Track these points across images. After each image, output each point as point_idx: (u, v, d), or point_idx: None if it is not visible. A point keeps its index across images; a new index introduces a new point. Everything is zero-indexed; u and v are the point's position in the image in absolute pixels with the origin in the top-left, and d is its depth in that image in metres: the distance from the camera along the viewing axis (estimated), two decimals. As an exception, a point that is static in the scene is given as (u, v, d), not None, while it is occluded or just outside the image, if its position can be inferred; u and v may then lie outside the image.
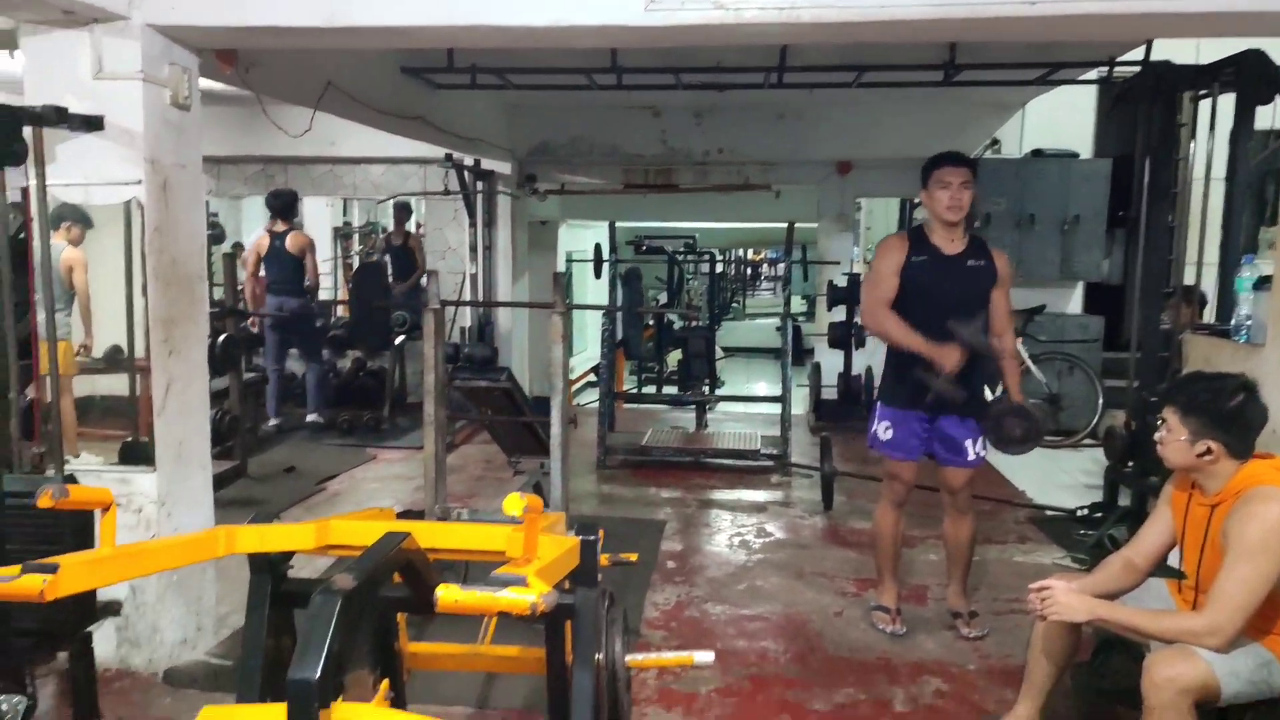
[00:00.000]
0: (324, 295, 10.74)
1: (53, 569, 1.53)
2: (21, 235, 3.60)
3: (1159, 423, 2.58)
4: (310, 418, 7.55)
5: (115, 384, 3.62)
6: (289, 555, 2.29)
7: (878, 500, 4.01)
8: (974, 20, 3.04)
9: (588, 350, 12.58)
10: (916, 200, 10.06)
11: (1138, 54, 5.32)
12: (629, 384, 11.09)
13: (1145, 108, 4.90)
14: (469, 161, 7.81)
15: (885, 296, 3.60)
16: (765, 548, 5.00)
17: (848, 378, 8.00)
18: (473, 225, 8.27)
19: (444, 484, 4.43)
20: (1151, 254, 4.90)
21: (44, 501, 1.65)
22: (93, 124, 3.26)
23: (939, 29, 3.30)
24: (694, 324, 8.60)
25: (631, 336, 8.91)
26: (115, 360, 3.60)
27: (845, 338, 7.88)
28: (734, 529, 5.32)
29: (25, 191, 3.40)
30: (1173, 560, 2.72)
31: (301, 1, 3.24)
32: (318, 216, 11.60)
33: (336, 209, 11.68)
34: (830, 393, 8.20)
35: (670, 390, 10.35)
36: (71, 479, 3.08)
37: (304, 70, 4.70)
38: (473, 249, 8.34)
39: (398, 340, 7.96)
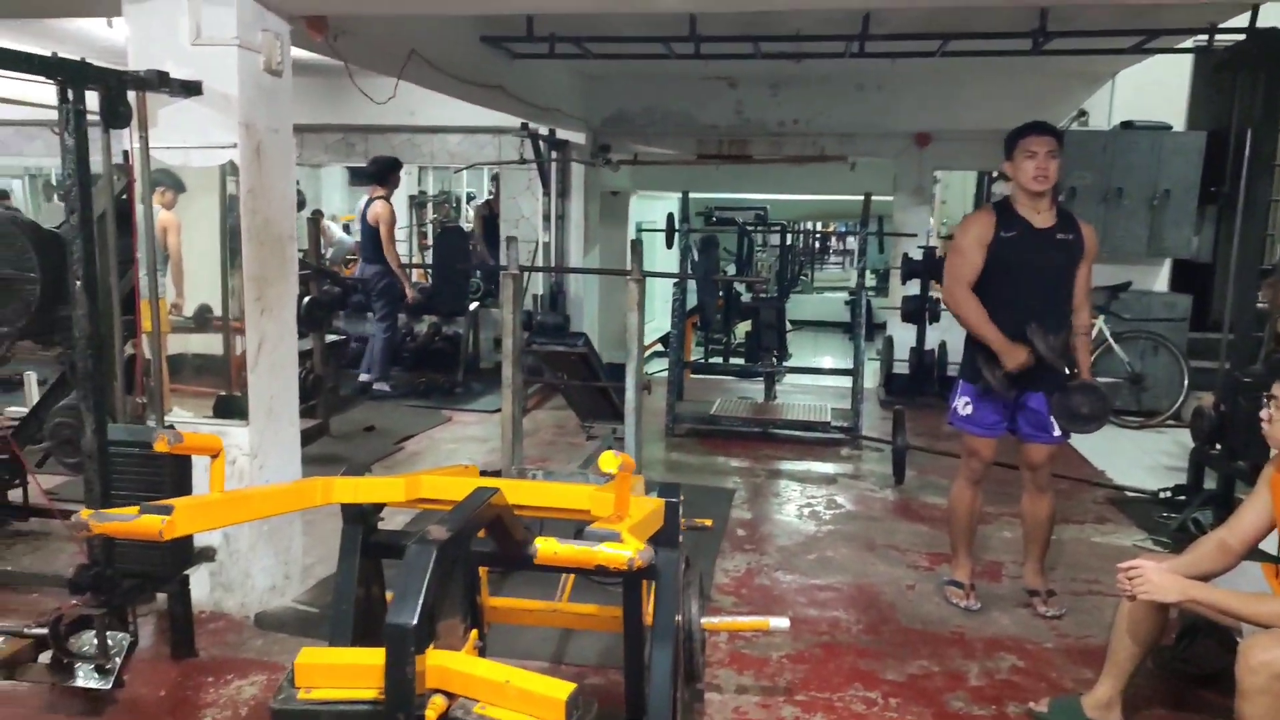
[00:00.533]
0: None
1: (168, 510, 1.62)
2: (123, 196, 3.75)
3: (1265, 401, 2.50)
4: (363, 378, 7.53)
5: (204, 342, 3.76)
6: (379, 507, 2.38)
7: (951, 476, 3.95)
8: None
9: (655, 320, 12.62)
10: (995, 174, 9.87)
11: (1241, 21, 5.07)
12: (696, 354, 11.10)
13: (1248, 77, 4.69)
14: (544, 131, 7.85)
15: (968, 276, 3.54)
16: (835, 519, 4.98)
17: (920, 352, 7.87)
18: (546, 195, 8.33)
19: (520, 446, 4.52)
20: (1249, 230, 4.71)
21: (160, 446, 1.74)
22: (191, 89, 3.38)
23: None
24: (764, 295, 8.54)
25: (706, 304, 8.90)
26: (204, 319, 3.74)
27: (919, 312, 7.75)
28: (804, 500, 5.31)
29: (127, 154, 3.56)
30: (1269, 545, 2.65)
31: (391, -33, 3.29)
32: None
33: (413, 177, 11.87)
34: (902, 367, 8.09)
35: (738, 361, 10.33)
36: (172, 430, 3.23)
37: (389, 39, 4.77)
38: (546, 218, 8.41)
39: (472, 306, 8.09)
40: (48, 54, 2.95)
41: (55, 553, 4.12)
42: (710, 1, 3.47)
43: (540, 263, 8.32)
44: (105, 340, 3.27)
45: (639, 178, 9.99)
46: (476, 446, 6.29)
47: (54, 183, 11.46)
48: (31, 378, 5.84)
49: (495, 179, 8.78)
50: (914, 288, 7.87)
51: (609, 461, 1.74)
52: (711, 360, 10.66)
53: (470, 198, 13.00)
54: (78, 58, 3.10)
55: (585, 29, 5.87)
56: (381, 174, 7.49)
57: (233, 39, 3.37)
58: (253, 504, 1.91)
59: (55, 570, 3.74)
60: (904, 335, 8.08)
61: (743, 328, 10.53)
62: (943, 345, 7.76)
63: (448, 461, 5.84)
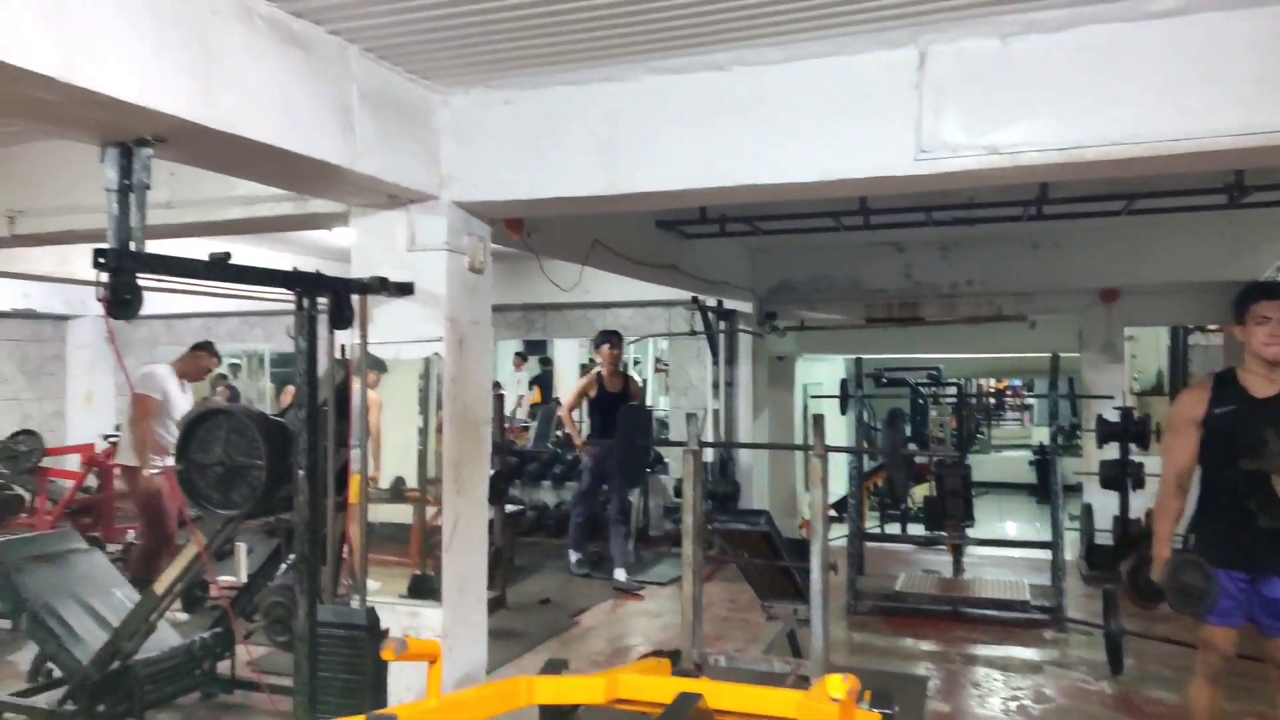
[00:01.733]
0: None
1: (392, 720, 1.65)
2: (339, 386, 4.08)
3: None
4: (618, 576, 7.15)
5: (398, 513, 3.94)
6: (576, 706, 2.34)
7: (1175, 664, 3.52)
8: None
9: (825, 485, 12.26)
10: (1191, 327, 9.27)
11: None
12: (870, 520, 10.65)
13: None
14: (712, 302, 8.07)
15: (1177, 461, 3.38)
16: (1047, 715, 4.50)
17: (1125, 522, 7.23)
18: (715, 363, 8.46)
19: (700, 627, 4.40)
20: None
21: (387, 655, 1.80)
22: (405, 289, 3.70)
23: (1238, 158, 3.08)
24: (944, 459, 8.18)
25: (895, 481, 8.59)
26: (398, 492, 3.94)
27: (1120, 477, 7.18)
28: (1008, 691, 4.84)
29: (343, 348, 3.89)
30: None
31: (584, 175, 3.55)
32: (568, 355, 12.37)
33: (586, 348, 12.41)
34: (1104, 537, 7.44)
35: (916, 529, 9.82)
36: (373, 612, 3.35)
37: (575, 231, 5.12)
38: (715, 385, 8.51)
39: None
40: (288, 268, 3.32)
41: (257, 727, 4.26)
42: (893, 187, 3.51)
43: (710, 429, 8.36)
44: (319, 523, 3.49)
45: (805, 342, 10.02)
46: (648, 622, 6.17)
47: (264, 364, 12.70)
48: (242, 549, 6.28)
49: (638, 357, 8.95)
50: (1112, 450, 7.34)
51: (836, 686, 1.65)
52: (888, 528, 10.19)
53: (636, 362, 13.41)
54: (301, 264, 3.49)
55: (756, 209, 6.10)
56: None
57: (443, 244, 3.70)
58: (467, 709, 1.92)
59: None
60: (1104, 502, 7.48)
61: (919, 490, 10.07)
62: (1149, 514, 7.11)
63: (621, 639, 5.75)
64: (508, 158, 3.65)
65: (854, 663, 5.25)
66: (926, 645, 5.63)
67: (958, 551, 6.94)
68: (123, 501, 9.02)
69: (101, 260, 2.53)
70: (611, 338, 7.43)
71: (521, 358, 12.16)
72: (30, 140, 4.47)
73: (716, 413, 8.48)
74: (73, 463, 9.39)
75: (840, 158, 3.20)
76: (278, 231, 4.73)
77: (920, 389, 10.85)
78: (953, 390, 12.27)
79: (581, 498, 7.50)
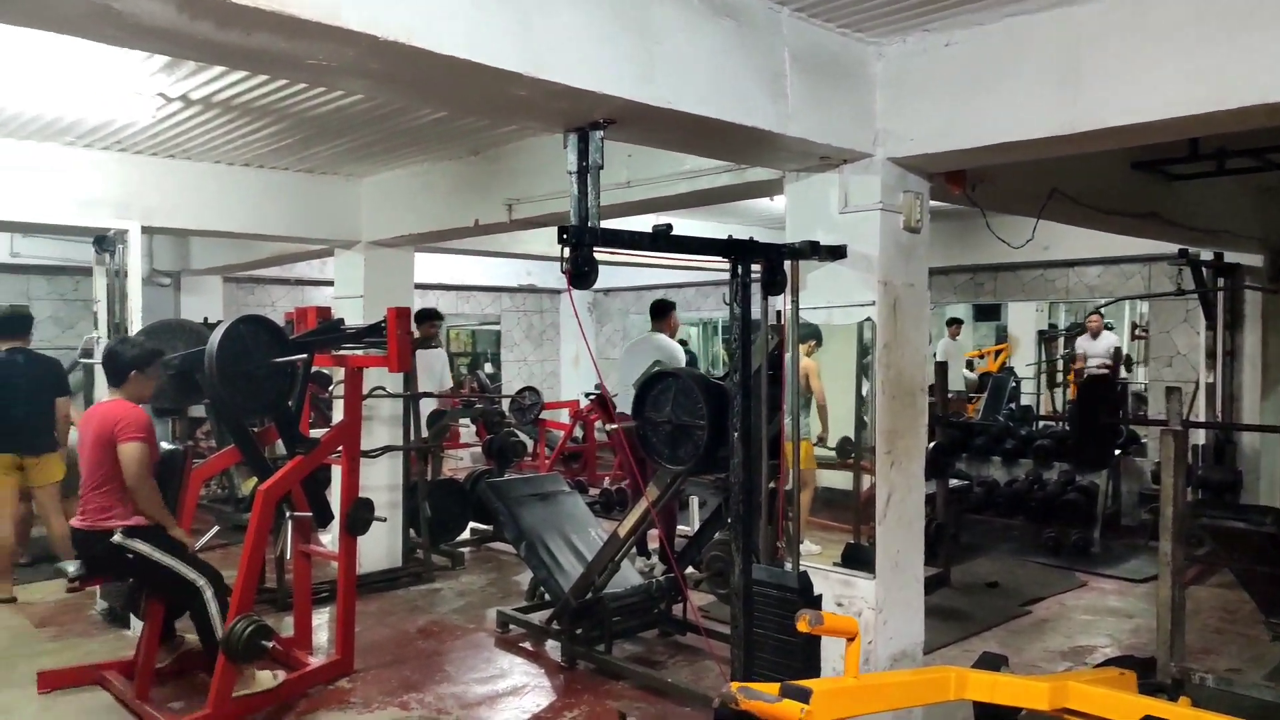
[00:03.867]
0: (1026, 401, 10.41)
1: (806, 695, 1.61)
2: (774, 352, 4.16)
3: None
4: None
5: (840, 479, 3.90)
6: (1016, 710, 2.10)
7: None
8: None
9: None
10: None
11: None
12: None
13: None
14: (1207, 255, 6.80)
15: None
16: None
17: None
18: (1210, 328, 7.14)
19: (1180, 638, 3.74)
20: None
21: (801, 626, 1.77)
22: (836, 253, 3.62)
23: None
24: None
25: None
26: (845, 451, 3.89)
27: None
28: None
29: (779, 314, 3.93)
30: None
31: (1039, 114, 3.15)
32: (1023, 320, 11.36)
33: (1043, 312, 11.31)
34: None
35: None
36: (805, 577, 3.37)
37: (1027, 180, 4.61)
38: (1209, 355, 7.19)
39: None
40: (723, 237, 3.43)
41: (706, 670, 4.55)
42: None
43: (1202, 406, 7.09)
44: (754, 484, 3.59)
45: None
46: (1116, 622, 5.44)
47: (716, 330, 13.55)
48: (694, 502, 6.77)
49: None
50: None
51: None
52: None
53: (1109, 327, 11.88)
54: (744, 234, 3.57)
55: (1264, 138, 4.97)
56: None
57: (876, 204, 3.55)
58: (886, 693, 1.83)
59: (703, 689, 4.13)
60: None
61: None
62: None
63: (1081, 636, 5.15)
64: (947, 105, 3.38)
65: None
66: None
67: None
68: (603, 451, 10.31)
69: (564, 236, 2.82)
70: None
71: (958, 323, 11.41)
72: (523, 138, 5.19)
73: (1210, 387, 7.16)
74: (563, 416, 10.94)
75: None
76: (721, 202, 4.93)
77: None
78: None
79: None
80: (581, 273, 2.85)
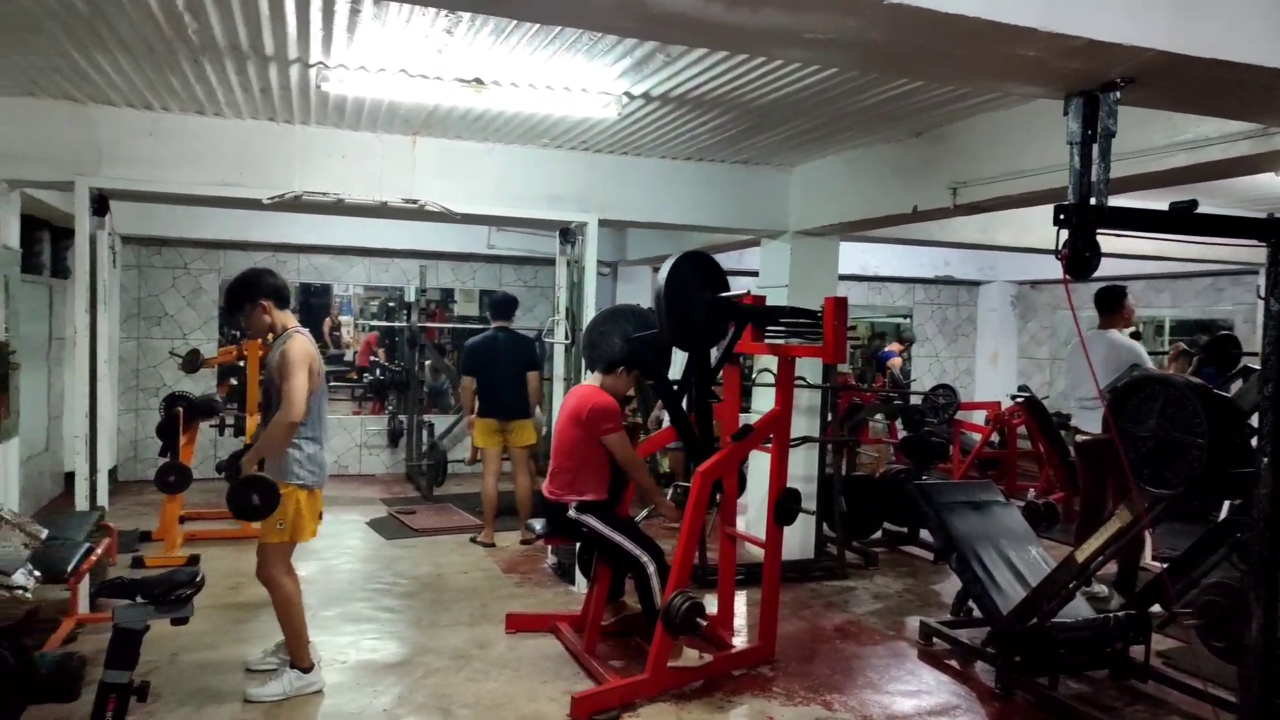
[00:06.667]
0: None
1: None
2: None
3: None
4: None
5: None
6: None
7: None
8: None
9: None
10: None
11: None
12: None
13: None
14: None
15: None
16: None
17: None
18: None
19: None
20: None
21: None
22: None
23: None
24: None
25: None
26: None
27: None
28: None
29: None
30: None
31: None
32: None
33: None
34: None
35: None
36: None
37: None
38: None
39: None
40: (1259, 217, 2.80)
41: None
42: None
43: None
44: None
45: None
46: None
47: (1162, 330, 11.68)
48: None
49: None
50: None
51: None
52: None
53: None
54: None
55: None
56: None
57: None
58: None
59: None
60: None
61: None
62: None
63: None
64: None
65: None
66: None
67: None
68: (1024, 460, 9.42)
69: (1062, 216, 2.46)
70: None
71: None
72: (972, 115, 4.78)
73: None
74: (978, 417, 10.17)
75: None
76: (1224, 177, 4.10)
77: None
78: None
79: None
80: (1081, 259, 2.47)
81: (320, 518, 4.14)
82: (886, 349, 11.08)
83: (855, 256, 10.31)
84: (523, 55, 3.93)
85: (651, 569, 4.25)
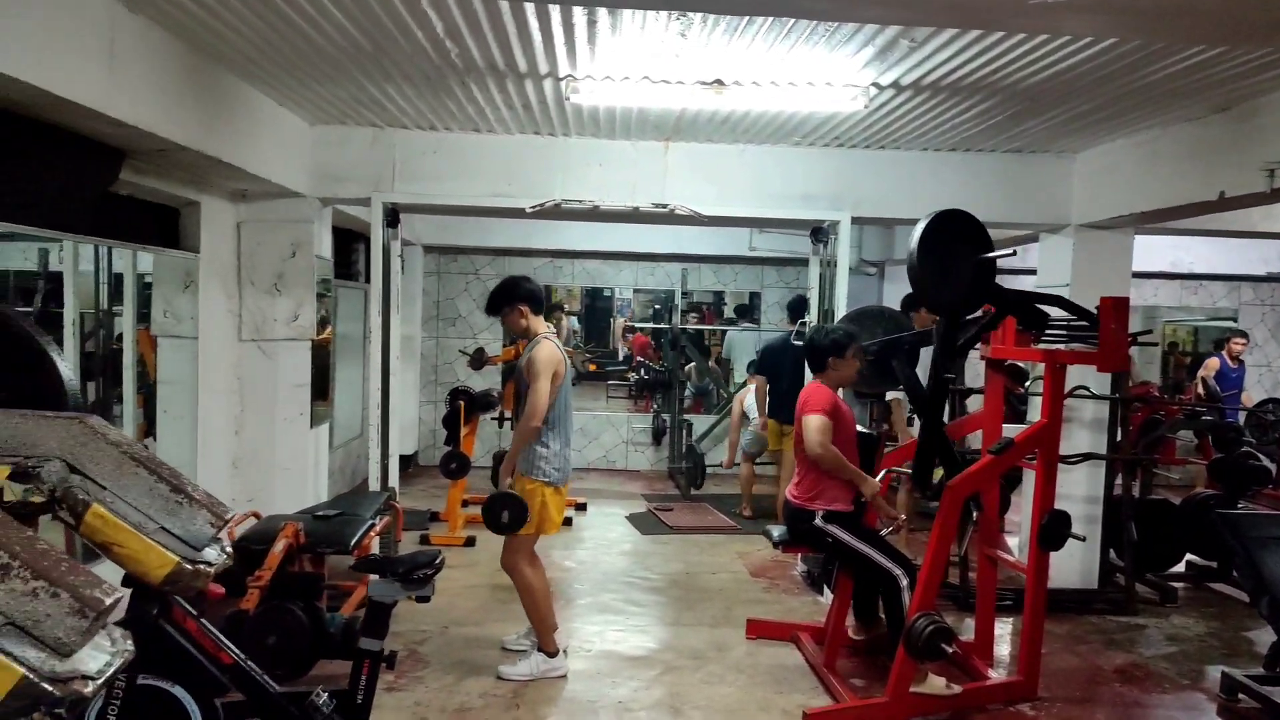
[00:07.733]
0: None
1: None
2: None
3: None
4: None
5: None
6: None
7: None
8: None
9: None
10: None
11: None
12: None
13: None
14: None
15: None
16: None
17: None
18: None
19: None
20: None
21: None
22: None
23: None
24: None
25: None
26: None
27: None
28: None
29: None
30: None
31: None
32: None
33: None
34: None
35: None
36: None
37: None
38: None
39: None
40: None
41: None
42: None
43: None
44: None
45: None
46: None
47: None
48: None
49: None
50: None
51: None
52: None
53: None
54: None
55: None
56: None
57: None
58: None
59: None
60: None
61: None
62: None
63: None
64: None
65: None
66: None
67: None
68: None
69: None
70: None
71: None
72: (1297, 83, 4.05)
73: None
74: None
75: None
76: None
77: None
78: None
79: None
80: None
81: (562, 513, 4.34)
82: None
83: (1164, 252, 9.13)
84: (760, 51, 3.86)
85: (904, 583, 4.01)
